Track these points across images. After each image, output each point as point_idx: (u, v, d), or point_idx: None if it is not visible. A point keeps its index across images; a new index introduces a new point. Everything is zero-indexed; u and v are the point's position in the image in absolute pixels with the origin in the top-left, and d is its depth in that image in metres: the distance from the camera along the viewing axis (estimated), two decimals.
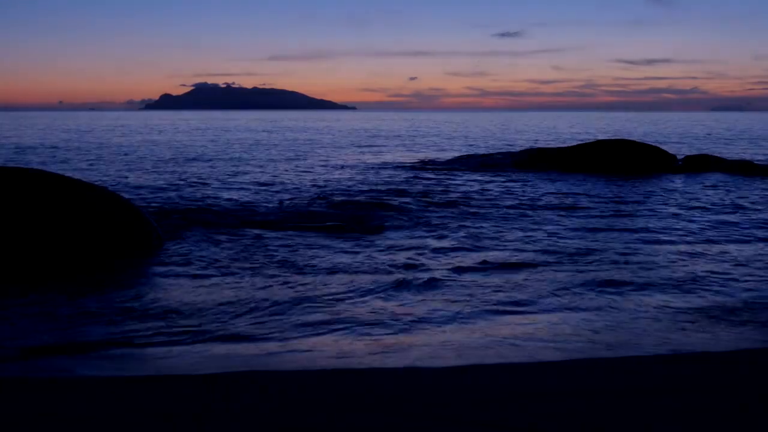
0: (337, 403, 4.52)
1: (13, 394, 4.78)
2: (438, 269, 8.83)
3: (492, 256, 9.62)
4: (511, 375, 5.27)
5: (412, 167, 23.64)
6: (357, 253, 9.78)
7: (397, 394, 4.73)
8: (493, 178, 19.80)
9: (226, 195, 16.42)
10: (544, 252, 9.89)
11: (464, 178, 20.04)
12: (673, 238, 11.17)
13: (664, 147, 25.54)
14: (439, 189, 17.32)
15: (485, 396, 4.68)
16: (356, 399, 4.61)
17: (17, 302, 7.21)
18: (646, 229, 11.90)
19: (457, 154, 28.57)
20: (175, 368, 5.45)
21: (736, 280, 8.45)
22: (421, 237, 11.06)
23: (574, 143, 27.30)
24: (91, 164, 25.74)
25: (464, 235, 11.19)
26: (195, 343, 6.10)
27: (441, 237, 11.05)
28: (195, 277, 8.50)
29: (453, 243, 10.55)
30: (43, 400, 4.60)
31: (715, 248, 10.42)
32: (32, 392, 4.80)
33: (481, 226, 12.01)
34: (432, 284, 8.08)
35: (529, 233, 11.36)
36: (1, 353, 5.77)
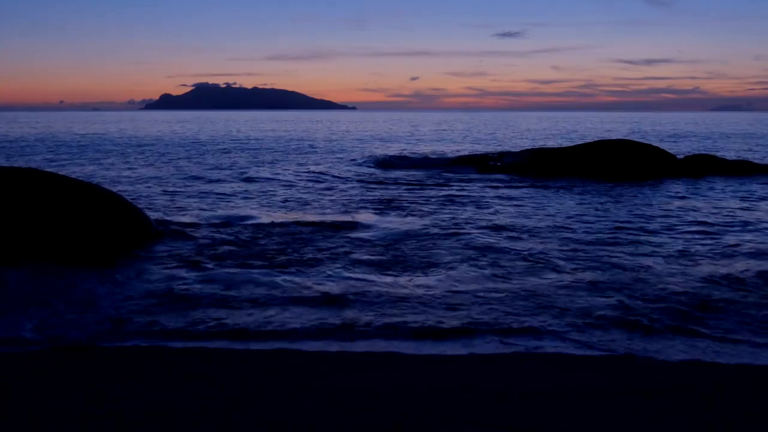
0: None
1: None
2: None
3: None
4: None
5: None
6: None
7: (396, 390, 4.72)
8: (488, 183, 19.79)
9: (232, 191, 16.43)
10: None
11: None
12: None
13: (663, 147, 25.47)
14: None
15: (486, 396, 4.67)
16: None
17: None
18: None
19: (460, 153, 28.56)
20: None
21: None
22: None
23: (574, 143, 27.21)
24: (93, 163, 25.72)
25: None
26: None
27: None
28: (193, 264, 8.95)
29: None
30: None
31: None
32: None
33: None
34: None
35: None
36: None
